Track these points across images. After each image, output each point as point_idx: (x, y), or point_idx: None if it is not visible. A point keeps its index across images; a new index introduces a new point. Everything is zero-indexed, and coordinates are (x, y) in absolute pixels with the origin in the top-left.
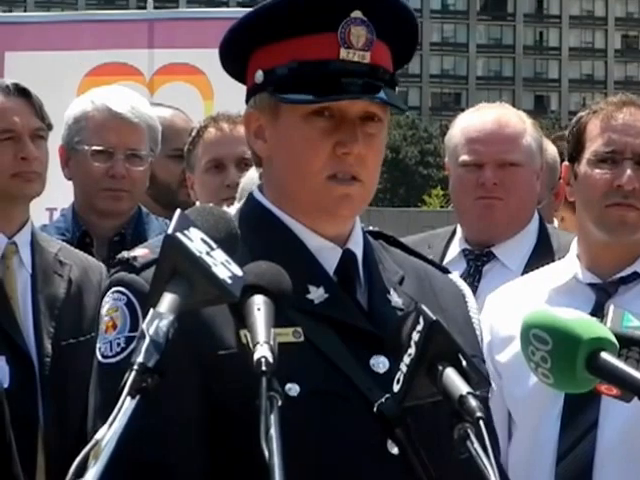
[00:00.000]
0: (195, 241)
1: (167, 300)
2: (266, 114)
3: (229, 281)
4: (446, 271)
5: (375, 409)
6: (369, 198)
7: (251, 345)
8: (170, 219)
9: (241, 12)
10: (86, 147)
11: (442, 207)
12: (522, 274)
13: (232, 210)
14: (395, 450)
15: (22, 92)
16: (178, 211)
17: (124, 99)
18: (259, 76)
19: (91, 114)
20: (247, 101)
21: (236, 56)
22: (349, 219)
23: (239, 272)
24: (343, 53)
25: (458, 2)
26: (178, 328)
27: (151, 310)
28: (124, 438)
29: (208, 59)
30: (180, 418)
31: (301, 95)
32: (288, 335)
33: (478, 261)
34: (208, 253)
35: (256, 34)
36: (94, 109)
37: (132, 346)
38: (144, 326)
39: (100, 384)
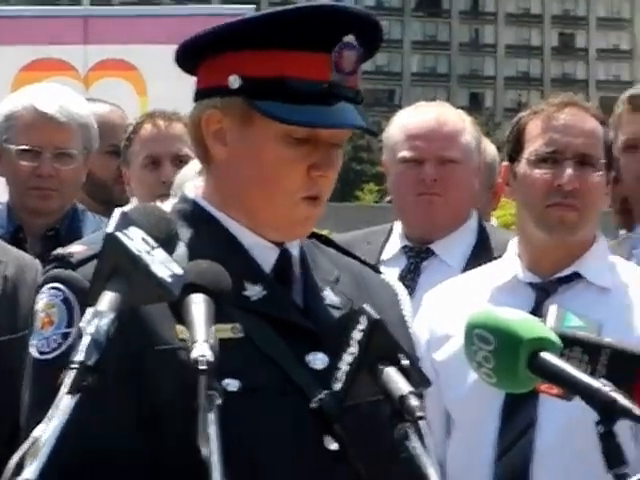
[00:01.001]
0: (135, 240)
1: (107, 298)
2: (234, 119)
3: (169, 280)
4: (378, 271)
5: (313, 405)
6: None
7: (190, 343)
8: (106, 216)
9: (175, 9)
10: (13, 146)
11: (376, 202)
12: (462, 271)
13: (166, 206)
14: (333, 446)
15: None
16: (118, 210)
17: (53, 98)
18: (234, 81)
19: (19, 113)
20: (198, 99)
21: (201, 54)
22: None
23: (179, 271)
24: (335, 77)
25: None
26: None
27: (91, 308)
28: (63, 436)
29: (142, 55)
30: (119, 416)
31: (287, 113)
32: (227, 331)
33: (417, 258)
34: (148, 252)
35: (238, 38)
36: (22, 108)
37: (69, 342)
38: (83, 324)
39: (36, 381)
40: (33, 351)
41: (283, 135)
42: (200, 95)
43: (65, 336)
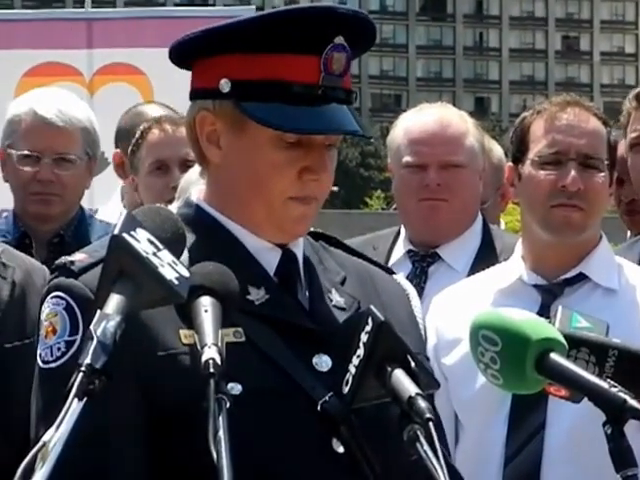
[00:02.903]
0: (142, 242)
1: (114, 301)
2: (227, 123)
3: (176, 282)
4: (390, 272)
5: (319, 407)
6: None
7: (199, 347)
8: None
9: (180, 11)
10: (14, 151)
11: (383, 209)
12: (468, 275)
13: (171, 209)
14: (341, 449)
15: None
16: (125, 211)
17: (52, 103)
18: (225, 85)
19: (20, 118)
20: (193, 98)
21: (192, 55)
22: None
23: (186, 273)
24: (325, 80)
25: (397, 3)
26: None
27: (98, 311)
28: (71, 440)
29: (148, 59)
30: (125, 420)
31: (278, 118)
32: (229, 335)
33: (423, 262)
34: (155, 254)
35: (227, 41)
36: (24, 113)
37: (72, 350)
38: (92, 327)
39: (41, 389)
40: (39, 360)
41: (275, 139)
42: (194, 95)
43: (68, 344)
